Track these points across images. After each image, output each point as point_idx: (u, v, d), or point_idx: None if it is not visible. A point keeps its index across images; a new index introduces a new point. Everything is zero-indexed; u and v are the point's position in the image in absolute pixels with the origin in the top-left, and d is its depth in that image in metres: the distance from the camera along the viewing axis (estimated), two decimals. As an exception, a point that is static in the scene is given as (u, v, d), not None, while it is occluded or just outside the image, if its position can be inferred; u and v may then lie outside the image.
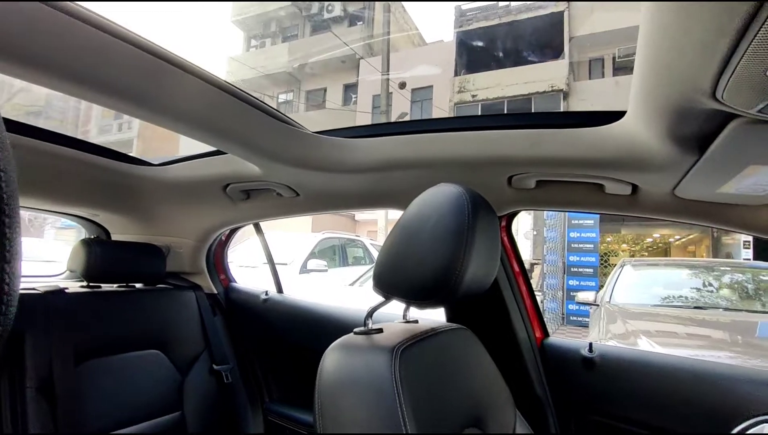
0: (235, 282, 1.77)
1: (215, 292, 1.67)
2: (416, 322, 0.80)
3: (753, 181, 0.64)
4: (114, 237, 1.58)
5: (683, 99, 0.50)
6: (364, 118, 12.14)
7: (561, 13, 11.17)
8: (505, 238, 1.20)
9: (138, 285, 1.40)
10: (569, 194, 0.98)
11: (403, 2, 14.60)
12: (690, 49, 0.41)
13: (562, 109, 10.50)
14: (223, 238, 1.70)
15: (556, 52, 11.20)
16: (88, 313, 1.18)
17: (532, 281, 1.26)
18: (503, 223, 1.18)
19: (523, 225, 8.06)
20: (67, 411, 1.04)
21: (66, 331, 1.09)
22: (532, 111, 10.77)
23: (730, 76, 0.40)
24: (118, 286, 1.34)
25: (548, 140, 0.83)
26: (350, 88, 14.00)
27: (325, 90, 14.65)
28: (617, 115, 0.72)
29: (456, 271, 0.59)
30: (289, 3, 14.47)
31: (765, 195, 0.72)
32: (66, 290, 1.16)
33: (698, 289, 3.59)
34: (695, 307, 3.25)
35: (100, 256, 1.24)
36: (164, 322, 1.37)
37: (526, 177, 0.94)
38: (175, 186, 1.30)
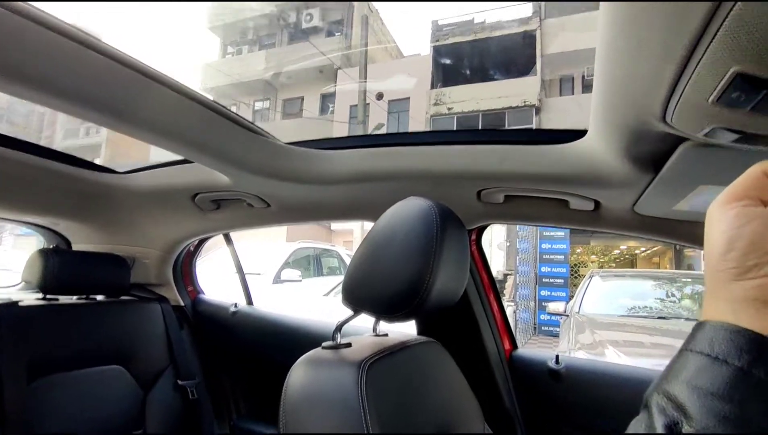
0: (204, 294, 1.72)
1: (182, 304, 1.62)
2: (386, 335, 0.80)
3: (703, 200, 0.68)
4: (75, 247, 1.52)
5: (638, 121, 0.52)
6: (341, 128, 12.16)
7: (534, 32, 11.56)
8: (475, 251, 1.21)
9: (99, 297, 1.34)
10: (536, 209, 1.00)
11: (380, 15, 14.78)
12: (640, 75, 0.43)
13: (533, 124, 10.82)
14: (192, 248, 1.65)
15: (529, 69, 11.56)
16: (44, 327, 1.13)
17: (505, 292, 1.28)
18: (473, 237, 1.19)
19: (496, 236, 8.20)
20: (18, 431, 0.98)
21: (18, 346, 1.04)
22: (506, 124, 11.05)
23: (678, 102, 0.42)
24: (78, 299, 1.29)
25: (515, 156, 0.85)
26: (328, 98, 14.00)
27: (302, 99, 14.59)
28: (580, 134, 0.74)
29: (424, 283, 0.59)
30: (267, 10, 14.40)
31: None
32: (19, 303, 1.11)
33: (662, 300, 3.73)
34: (659, 317, 3.37)
35: (59, 266, 1.18)
36: (127, 335, 1.32)
37: (494, 191, 0.96)
38: (141, 195, 1.26)
